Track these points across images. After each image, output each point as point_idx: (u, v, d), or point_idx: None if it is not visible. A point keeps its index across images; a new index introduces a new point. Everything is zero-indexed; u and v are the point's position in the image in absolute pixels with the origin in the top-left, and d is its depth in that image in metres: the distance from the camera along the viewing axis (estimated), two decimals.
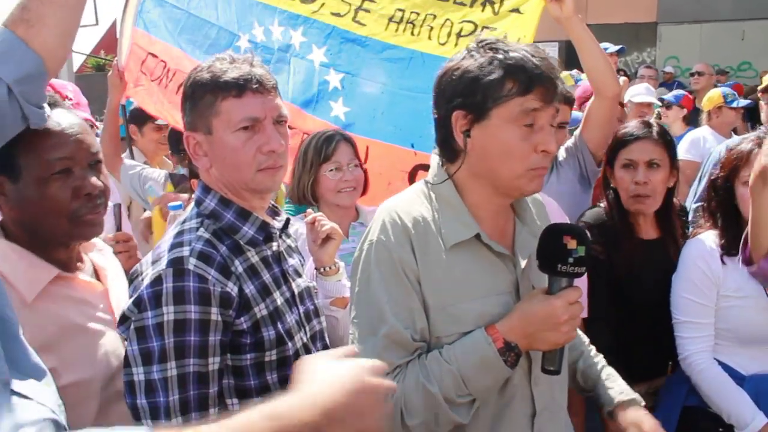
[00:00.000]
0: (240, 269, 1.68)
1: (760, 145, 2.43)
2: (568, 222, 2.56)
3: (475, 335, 1.59)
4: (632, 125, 2.76)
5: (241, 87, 1.67)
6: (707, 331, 2.45)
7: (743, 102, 5.29)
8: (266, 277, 1.75)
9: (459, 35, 3.07)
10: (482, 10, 3.08)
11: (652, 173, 2.62)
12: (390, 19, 3.14)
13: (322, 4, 3.27)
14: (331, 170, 2.75)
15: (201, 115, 1.71)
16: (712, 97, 5.43)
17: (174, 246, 1.64)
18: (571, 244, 1.56)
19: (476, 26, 3.06)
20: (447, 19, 3.09)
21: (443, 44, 3.08)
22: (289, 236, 1.97)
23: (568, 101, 3.11)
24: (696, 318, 2.46)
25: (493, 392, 1.63)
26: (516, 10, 3.05)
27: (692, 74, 7.75)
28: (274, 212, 1.91)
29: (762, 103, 3.42)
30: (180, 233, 1.69)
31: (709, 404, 2.44)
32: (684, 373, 2.50)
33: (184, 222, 1.74)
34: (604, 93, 3.02)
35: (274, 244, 1.83)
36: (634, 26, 15.29)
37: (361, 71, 3.16)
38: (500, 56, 1.56)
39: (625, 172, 2.66)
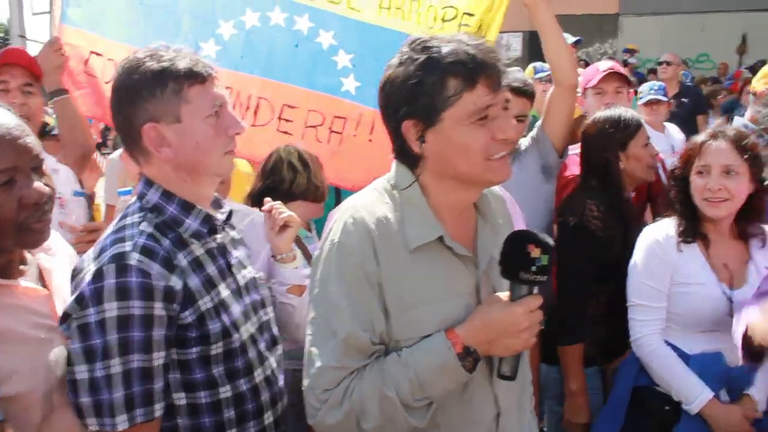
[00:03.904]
0: (184, 263, 1.67)
1: (714, 136, 2.49)
2: (520, 213, 2.58)
3: (435, 339, 1.57)
4: (615, 111, 3.00)
5: (204, 74, 1.71)
6: (659, 315, 2.52)
7: (647, 97, 5.26)
8: (211, 269, 1.74)
9: (443, 20, 3.16)
10: None
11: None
12: (380, 6, 3.24)
13: None
14: None
15: (166, 103, 1.68)
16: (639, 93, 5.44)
17: (116, 241, 1.63)
18: (535, 252, 1.53)
19: (457, 11, 3.14)
20: (430, 5, 3.18)
21: (431, 28, 3.17)
22: (233, 228, 1.96)
23: (527, 94, 3.11)
24: (649, 302, 2.53)
25: (452, 395, 1.61)
26: None
27: (660, 63, 7.81)
28: (217, 204, 1.90)
29: (749, 100, 3.56)
30: (122, 228, 1.67)
31: (658, 383, 2.52)
32: (634, 355, 2.58)
33: (125, 217, 1.72)
34: (563, 83, 3.04)
35: (219, 236, 1.82)
36: (597, 17, 15.49)
37: (368, 51, 3.25)
38: (434, 55, 1.53)
39: (645, 150, 2.94)
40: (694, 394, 2.41)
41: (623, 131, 2.91)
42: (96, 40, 3.35)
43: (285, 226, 2.24)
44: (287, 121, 3.25)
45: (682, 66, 9.56)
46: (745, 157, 2.43)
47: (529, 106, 3.15)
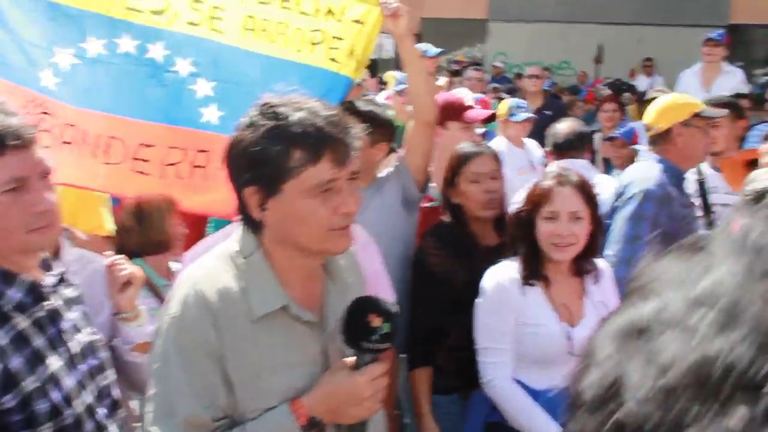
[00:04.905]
0: (4, 341, 1.53)
1: (561, 183, 2.58)
2: (376, 251, 2.56)
3: (279, 411, 1.54)
4: (468, 145, 3.08)
5: (4, 144, 1.51)
6: (507, 356, 2.58)
7: (523, 116, 5.29)
8: (38, 342, 1.60)
9: (312, 43, 3.06)
10: (326, 20, 3.06)
11: (496, 183, 2.97)
12: (244, 27, 3.05)
13: (175, 14, 3.03)
14: None
15: None
16: (501, 108, 5.39)
17: None
18: (376, 322, 1.52)
19: (325, 35, 3.05)
20: (297, 28, 3.06)
21: (299, 51, 3.05)
22: (70, 286, 1.81)
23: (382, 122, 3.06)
24: (496, 344, 2.58)
25: None
26: (358, 22, 3.06)
27: (529, 77, 8.06)
28: (46, 266, 1.74)
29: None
30: None
31: (509, 422, 2.59)
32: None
33: None
34: (421, 117, 3.07)
35: (47, 302, 1.67)
36: (467, 22, 16.01)
37: (232, 77, 3.04)
38: (281, 123, 1.49)
39: (474, 186, 2.92)
40: (543, 430, 2.50)
41: (451, 166, 2.98)
42: None
43: (127, 283, 2.11)
44: (143, 161, 2.94)
45: (547, 74, 10.05)
46: (588, 201, 2.55)
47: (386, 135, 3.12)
